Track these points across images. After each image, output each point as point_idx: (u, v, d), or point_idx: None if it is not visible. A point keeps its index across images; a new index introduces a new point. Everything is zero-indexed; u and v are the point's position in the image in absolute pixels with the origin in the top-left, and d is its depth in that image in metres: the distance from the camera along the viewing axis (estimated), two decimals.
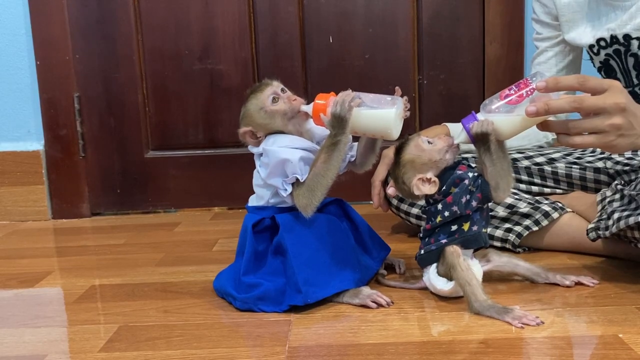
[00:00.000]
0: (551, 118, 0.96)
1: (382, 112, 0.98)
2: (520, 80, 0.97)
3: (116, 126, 1.82)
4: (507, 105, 0.96)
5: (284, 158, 0.99)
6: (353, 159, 1.09)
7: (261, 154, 1.04)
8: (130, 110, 1.82)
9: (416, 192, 1.01)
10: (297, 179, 1.00)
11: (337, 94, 0.99)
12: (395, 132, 1.00)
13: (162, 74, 1.80)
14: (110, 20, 1.77)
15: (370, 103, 0.99)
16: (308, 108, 1.01)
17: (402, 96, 1.01)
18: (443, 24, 1.79)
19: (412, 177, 1.01)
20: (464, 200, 1.00)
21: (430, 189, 1.00)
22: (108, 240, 1.56)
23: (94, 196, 1.84)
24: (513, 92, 0.96)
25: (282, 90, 1.05)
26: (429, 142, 1.01)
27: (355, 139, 1.09)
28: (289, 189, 1.00)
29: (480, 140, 0.97)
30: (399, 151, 1.03)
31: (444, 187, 1.01)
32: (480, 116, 0.98)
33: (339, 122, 0.97)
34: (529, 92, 0.95)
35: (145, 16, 1.78)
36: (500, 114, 0.96)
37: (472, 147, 1.05)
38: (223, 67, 1.80)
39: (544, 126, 0.96)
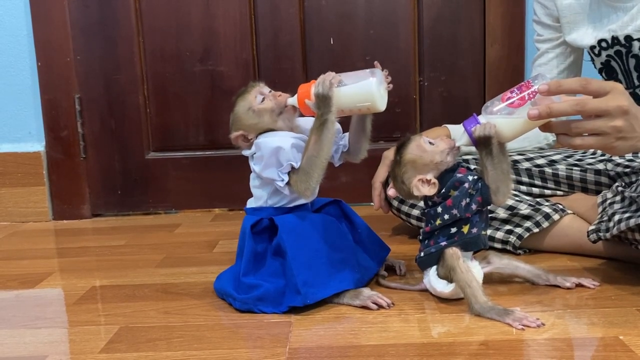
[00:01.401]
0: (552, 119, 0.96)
1: (362, 84, 0.99)
2: (522, 83, 0.97)
3: (117, 127, 1.83)
4: (508, 107, 0.96)
5: (277, 146, 0.99)
6: (346, 148, 1.10)
7: (254, 154, 1.04)
8: (131, 111, 1.82)
9: (415, 193, 1.01)
10: (292, 167, 1.00)
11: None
12: (380, 102, 1.00)
13: (163, 75, 1.81)
14: (112, 21, 1.78)
15: (350, 80, 1.00)
16: (293, 100, 1.03)
17: (383, 70, 1.02)
18: (444, 26, 1.79)
19: (412, 177, 1.01)
20: (463, 203, 1.00)
21: (429, 190, 1.00)
22: (109, 242, 1.56)
23: (95, 197, 1.85)
24: (515, 95, 0.96)
25: (269, 91, 1.06)
26: (430, 143, 1.01)
27: (345, 129, 1.09)
28: (286, 178, 1.01)
29: (483, 143, 0.97)
30: (399, 150, 1.03)
31: (444, 190, 1.01)
32: (481, 118, 0.98)
33: (323, 101, 0.98)
34: (530, 95, 0.95)
35: (146, 17, 1.78)
36: (502, 117, 0.96)
37: (472, 149, 1.05)
38: (224, 69, 1.80)
39: (545, 127, 0.96)
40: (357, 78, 1.00)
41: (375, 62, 1.03)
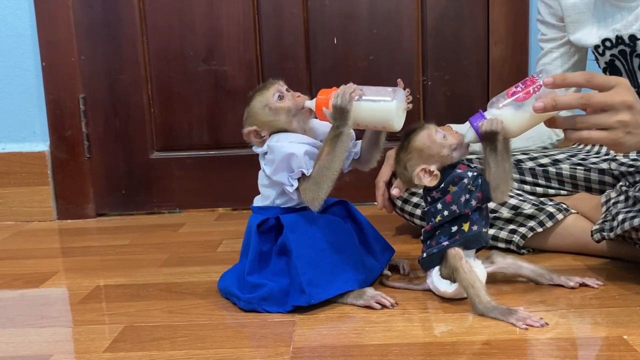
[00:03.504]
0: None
1: (382, 105, 0.99)
2: (527, 78, 0.97)
3: (121, 127, 1.83)
4: (514, 102, 0.96)
5: (290, 152, 0.99)
6: (357, 156, 1.10)
7: (266, 153, 1.04)
8: (135, 111, 1.82)
9: (416, 181, 1.01)
10: (303, 174, 1.00)
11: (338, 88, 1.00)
12: (397, 123, 1.00)
13: (166, 75, 1.81)
14: (116, 21, 1.78)
15: (371, 95, 1.00)
16: (311, 103, 1.03)
17: (404, 88, 1.02)
18: (447, 25, 1.79)
19: (415, 165, 1.01)
20: (463, 199, 1.00)
21: (430, 181, 1.00)
22: (113, 241, 1.57)
23: (99, 197, 1.85)
24: (520, 90, 0.96)
25: (287, 89, 1.06)
26: (442, 135, 1.01)
27: (359, 136, 1.09)
28: (295, 184, 1.01)
29: (489, 138, 0.97)
30: (409, 135, 1.03)
31: (442, 185, 1.01)
32: (487, 114, 0.97)
33: (340, 114, 0.98)
34: (535, 89, 0.95)
35: (150, 18, 1.78)
36: (507, 112, 0.96)
37: (474, 148, 1.05)
38: (227, 69, 1.80)
39: (550, 122, 0.96)
40: (379, 95, 1.00)
41: (399, 80, 1.02)
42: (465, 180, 1.00)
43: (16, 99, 1.81)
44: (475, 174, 1.01)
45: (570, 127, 0.94)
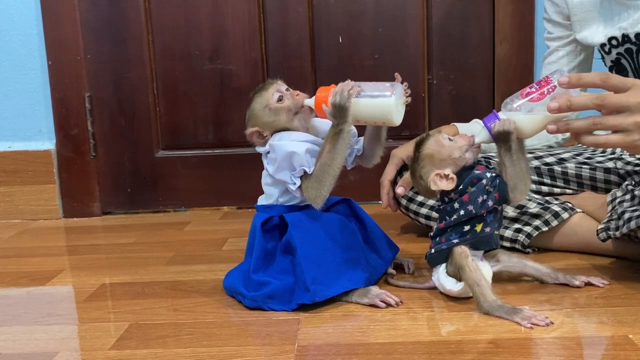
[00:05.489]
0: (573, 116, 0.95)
1: (381, 100, 0.99)
2: (541, 79, 0.97)
3: (127, 126, 1.84)
4: (528, 103, 0.96)
5: (291, 151, 0.99)
6: (360, 152, 1.10)
7: (268, 152, 1.05)
8: (141, 110, 1.83)
9: (433, 188, 1.01)
10: (305, 172, 1.00)
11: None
12: (397, 118, 1.01)
13: (172, 74, 1.81)
14: (121, 20, 1.78)
15: (369, 91, 1.00)
16: (311, 102, 1.03)
17: (402, 82, 1.02)
18: (453, 24, 1.79)
19: (429, 172, 1.01)
20: (480, 199, 0.99)
21: (447, 185, 1.00)
22: (118, 239, 1.57)
23: (105, 195, 1.86)
24: (534, 90, 0.96)
25: (286, 89, 1.06)
26: (449, 139, 1.01)
27: (361, 132, 1.09)
28: (298, 182, 1.01)
29: (502, 139, 0.96)
30: (418, 147, 1.03)
31: (461, 186, 1.01)
32: (502, 115, 0.97)
33: (339, 112, 0.98)
34: (550, 90, 0.95)
35: (155, 17, 1.79)
36: (521, 113, 0.96)
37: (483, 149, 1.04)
38: (233, 67, 1.80)
39: (566, 129, 0.93)
40: (377, 91, 1.00)
41: (396, 74, 1.02)
42: (484, 181, 1.00)
43: (22, 97, 1.81)
44: (493, 174, 1.00)
45: (585, 130, 0.93)
